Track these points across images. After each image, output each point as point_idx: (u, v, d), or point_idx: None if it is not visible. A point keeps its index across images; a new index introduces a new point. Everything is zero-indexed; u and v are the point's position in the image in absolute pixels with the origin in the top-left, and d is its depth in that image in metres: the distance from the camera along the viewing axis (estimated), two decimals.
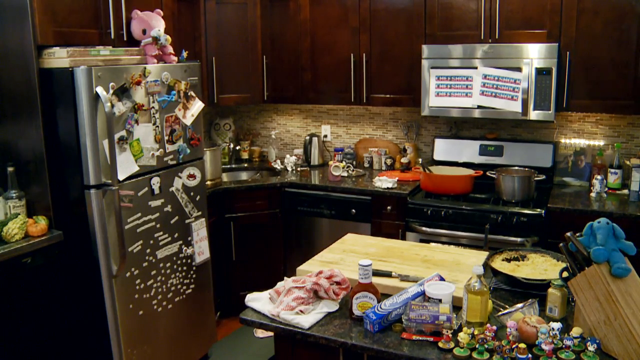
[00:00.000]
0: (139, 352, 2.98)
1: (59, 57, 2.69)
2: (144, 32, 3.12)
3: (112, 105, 2.72)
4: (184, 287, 3.29)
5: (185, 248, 3.28)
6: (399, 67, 3.86)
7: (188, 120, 3.25)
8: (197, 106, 3.31)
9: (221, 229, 3.91)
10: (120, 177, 2.79)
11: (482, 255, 2.39)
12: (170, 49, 3.21)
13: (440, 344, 1.72)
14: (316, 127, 4.61)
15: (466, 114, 3.62)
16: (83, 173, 2.71)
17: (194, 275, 3.36)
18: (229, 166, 4.53)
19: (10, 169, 2.75)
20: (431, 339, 1.76)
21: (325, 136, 4.57)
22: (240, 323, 2.02)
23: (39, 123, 2.73)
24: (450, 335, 1.73)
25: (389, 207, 3.67)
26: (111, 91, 2.73)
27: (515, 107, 3.46)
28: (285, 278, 2.12)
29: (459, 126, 4.08)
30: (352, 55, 3.95)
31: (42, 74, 2.71)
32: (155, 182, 3.04)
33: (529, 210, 3.28)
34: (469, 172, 3.66)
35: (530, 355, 1.62)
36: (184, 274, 3.28)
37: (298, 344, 1.98)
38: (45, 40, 2.70)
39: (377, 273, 2.13)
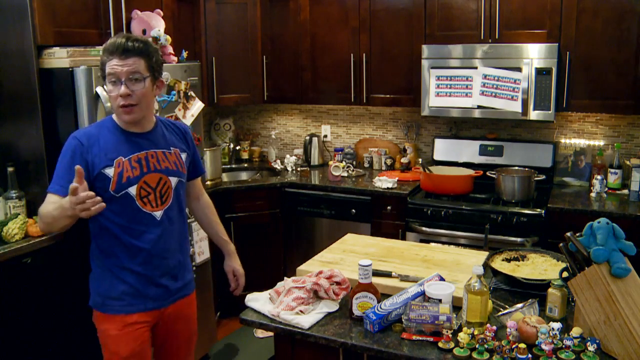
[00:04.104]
0: None
1: (59, 57, 2.69)
2: (144, 32, 3.12)
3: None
4: None
5: None
6: (399, 67, 3.86)
7: (188, 121, 3.26)
8: (197, 106, 3.31)
9: None
10: None
11: (482, 255, 2.39)
12: (170, 49, 3.21)
13: (440, 344, 1.72)
14: (316, 127, 4.61)
15: (466, 114, 3.62)
16: None
17: (194, 275, 3.36)
18: (229, 166, 4.53)
19: (10, 169, 2.74)
20: (431, 339, 1.76)
21: (325, 136, 4.57)
22: (240, 323, 2.02)
23: (39, 123, 2.72)
24: (450, 335, 1.73)
25: (389, 207, 3.67)
26: None
27: (515, 107, 3.46)
28: (285, 278, 2.12)
29: (459, 126, 4.08)
30: (352, 55, 3.95)
31: (42, 74, 2.71)
32: None
33: (529, 210, 3.28)
34: (469, 172, 3.66)
35: (530, 355, 1.62)
36: None
37: (298, 344, 1.98)
38: (45, 40, 2.70)
39: (377, 273, 2.13)
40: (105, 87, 1.96)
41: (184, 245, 2.18)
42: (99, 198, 1.74)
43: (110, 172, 1.94)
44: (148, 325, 2.07)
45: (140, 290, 2.02)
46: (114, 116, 2.04)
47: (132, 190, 1.97)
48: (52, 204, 1.88)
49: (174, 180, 2.08)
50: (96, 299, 2.06)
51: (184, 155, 2.15)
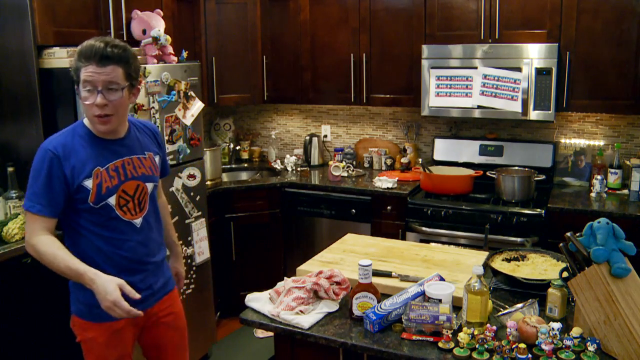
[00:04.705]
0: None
1: (59, 57, 2.69)
2: (144, 32, 3.12)
3: None
4: (184, 287, 3.29)
5: (185, 248, 3.28)
6: (399, 67, 3.86)
7: (188, 121, 3.26)
8: (197, 106, 3.31)
9: (221, 229, 3.91)
10: None
11: (482, 255, 2.39)
12: (170, 49, 3.21)
13: (440, 344, 1.72)
14: (316, 127, 4.61)
15: (466, 114, 3.62)
16: None
17: (194, 276, 3.36)
18: (229, 166, 4.53)
19: (10, 169, 2.75)
20: (431, 339, 1.76)
21: (325, 136, 4.57)
22: (240, 323, 2.02)
23: (39, 123, 2.73)
24: (450, 335, 1.73)
25: (389, 207, 3.67)
26: None
27: (515, 107, 3.46)
28: (285, 278, 2.12)
29: (459, 126, 4.08)
30: (352, 55, 3.95)
31: (42, 74, 2.71)
32: None
33: (529, 210, 3.28)
34: (469, 172, 3.66)
35: (530, 355, 1.62)
36: None
37: (298, 344, 1.98)
38: (45, 40, 2.71)
39: (377, 273, 2.13)
40: (78, 92, 1.86)
41: (162, 246, 2.16)
42: (137, 313, 1.79)
43: (89, 183, 1.88)
44: (135, 327, 2.06)
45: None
46: (85, 121, 1.95)
47: (112, 200, 1.92)
48: (58, 248, 1.84)
49: (150, 186, 2.05)
50: (80, 307, 2.00)
51: (157, 158, 2.12)
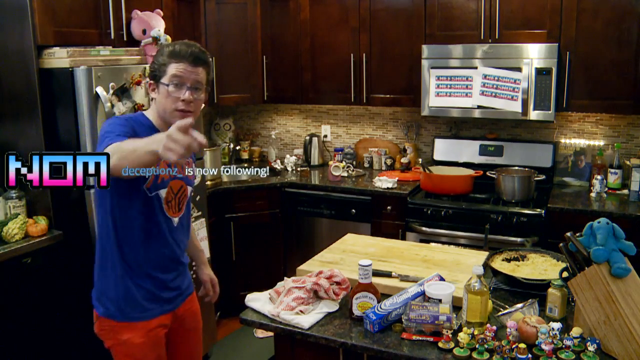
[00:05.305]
0: None
1: (59, 57, 2.69)
2: (144, 32, 3.12)
3: (112, 106, 2.72)
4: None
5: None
6: (399, 67, 3.86)
7: None
8: None
9: (221, 229, 3.91)
10: None
11: (482, 255, 2.39)
12: None
13: (440, 344, 1.72)
14: (316, 127, 4.61)
15: (466, 114, 3.62)
16: None
17: (194, 276, 3.36)
18: (229, 166, 4.53)
19: None
20: (431, 339, 1.76)
21: (325, 136, 4.57)
22: (240, 323, 2.02)
23: (39, 123, 2.73)
24: (450, 335, 1.73)
25: (389, 207, 3.67)
26: (111, 91, 2.73)
27: (515, 107, 3.46)
28: (285, 278, 2.13)
29: (459, 126, 4.08)
30: (352, 55, 3.95)
31: (42, 74, 2.71)
32: None
33: (529, 210, 3.28)
34: (469, 172, 3.66)
35: (530, 355, 1.62)
36: None
37: (298, 344, 1.98)
38: (45, 40, 2.71)
39: (377, 273, 2.13)
40: (154, 87, 1.92)
41: (186, 249, 2.21)
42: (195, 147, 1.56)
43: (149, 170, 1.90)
44: (166, 327, 2.06)
45: (156, 294, 2.00)
46: (147, 114, 1.99)
47: (162, 192, 1.96)
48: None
49: (189, 190, 2.10)
50: (109, 308, 1.97)
51: (194, 166, 2.18)
